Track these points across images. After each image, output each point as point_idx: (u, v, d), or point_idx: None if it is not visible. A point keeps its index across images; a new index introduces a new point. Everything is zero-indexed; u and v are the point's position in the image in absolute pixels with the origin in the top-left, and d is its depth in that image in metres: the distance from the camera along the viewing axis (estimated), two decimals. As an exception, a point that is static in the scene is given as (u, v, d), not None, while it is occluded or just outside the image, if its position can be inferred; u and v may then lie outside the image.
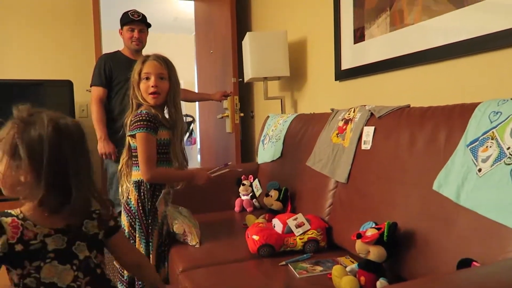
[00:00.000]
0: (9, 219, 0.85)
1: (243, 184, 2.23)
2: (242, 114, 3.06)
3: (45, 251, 0.86)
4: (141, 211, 1.61)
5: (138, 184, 1.62)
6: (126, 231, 1.63)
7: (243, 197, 2.22)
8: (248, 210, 2.17)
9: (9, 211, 0.88)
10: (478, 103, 1.10)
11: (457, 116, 1.15)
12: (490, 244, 0.93)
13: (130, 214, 1.63)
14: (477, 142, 1.03)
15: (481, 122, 1.04)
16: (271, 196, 1.94)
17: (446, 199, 1.07)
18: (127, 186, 1.66)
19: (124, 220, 1.65)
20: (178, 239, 1.67)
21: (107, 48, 2.90)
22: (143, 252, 1.58)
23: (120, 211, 2.52)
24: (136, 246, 1.60)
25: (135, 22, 2.50)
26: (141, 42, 2.56)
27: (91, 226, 0.95)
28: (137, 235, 1.61)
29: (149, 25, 2.59)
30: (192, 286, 1.28)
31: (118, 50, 2.62)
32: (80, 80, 3.21)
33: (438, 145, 1.16)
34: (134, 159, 1.64)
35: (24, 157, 0.83)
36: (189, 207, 1.82)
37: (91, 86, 2.54)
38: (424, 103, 1.37)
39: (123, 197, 1.68)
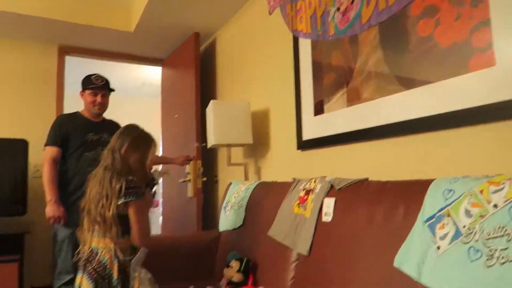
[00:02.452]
0: None
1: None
2: (205, 179, 3.03)
3: None
4: (124, 281, 1.56)
5: (122, 252, 1.57)
6: None
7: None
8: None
9: None
10: (433, 180, 1.15)
11: (413, 192, 1.18)
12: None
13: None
14: (434, 219, 1.05)
15: (436, 199, 1.07)
16: (232, 267, 1.86)
17: (407, 277, 1.06)
18: (103, 253, 1.56)
19: None
20: None
21: (68, 110, 2.86)
22: None
23: (72, 279, 2.33)
24: None
25: (98, 87, 2.50)
26: (104, 107, 2.55)
27: None
28: None
29: (112, 90, 2.59)
30: None
31: (78, 111, 2.58)
32: (37, 140, 3.10)
33: (397, 220, 1.17)
34: (122, 227, 1.58)
35: None
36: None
37: (45, 146, 2.45)
38: (382, 176, 1.41)
39: (87, 264, 1.58)
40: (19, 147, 2.94)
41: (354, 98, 1.75)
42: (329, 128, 1.90)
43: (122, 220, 1.58)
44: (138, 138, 1.72)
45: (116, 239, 1.56)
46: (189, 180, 2.98)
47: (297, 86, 2.16)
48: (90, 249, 1.59)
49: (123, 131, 1.73)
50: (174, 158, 2.82)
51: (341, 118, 1.83)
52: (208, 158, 3.42)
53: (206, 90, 3.43)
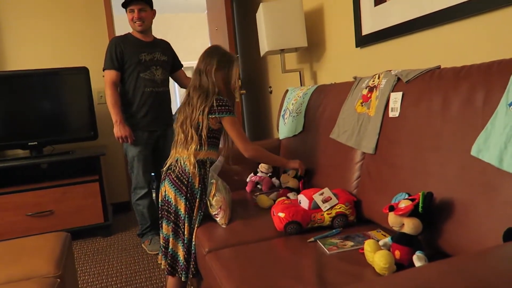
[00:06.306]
0: None
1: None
2: (243, 92, 2.98)
3: None
4: (203, 190, 1.67)
5: (203, 163, 1.69)
6: (182, 212, 1.65)
7: (261, 174, 2.14)
8: (264, 189, 2.08)
9: None
10: (521, 57, 1.00)
11: (495, 73, 1.05)
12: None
13: (191, 195, 1.66)
14: (521, 100, 0.94)
15: (525, 77, 0.94)
16: (288, 174, 1.91)
17: (486, 165, 0.99)
18: (186, 163, 1.68)
19: (179, 201, 1.66)
20: (209, 211, 1.64)
21: (120, 33, 2.86)
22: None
23: (146, 193, 2.54)
24: (190, 226, 1.64)
25: (133, 2, 2.43)
26: (143, 22, 2.49)
27: None
28: (196, 214, 1.66)
29: (150, 3, 2.51)
30: (219, 266, 1.25)
31: (129, 33, 2.57)
32: (96, 66, 3.20)
33: (475, 107, 1.07)
34: (210, 139, 1.70)
35: None
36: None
37: (103, 70, 2.51)
38: (456, 63, 1.26)
39: (170, 172, 1.71)
40: (82, 75, 3.04)
41: (421, -22, 1.53)
42: (393, 17, 1.71)
43: (210, 134, 1.69)
44: (223, 58, 1.75)
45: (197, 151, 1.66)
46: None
47: (353, -25, 1.93)
48: (175, 159, 1.72)
49: (208, 53, 1.76)
50: None
51: (407, 3, 1.63)
52: (261, 68, 3.34)
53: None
